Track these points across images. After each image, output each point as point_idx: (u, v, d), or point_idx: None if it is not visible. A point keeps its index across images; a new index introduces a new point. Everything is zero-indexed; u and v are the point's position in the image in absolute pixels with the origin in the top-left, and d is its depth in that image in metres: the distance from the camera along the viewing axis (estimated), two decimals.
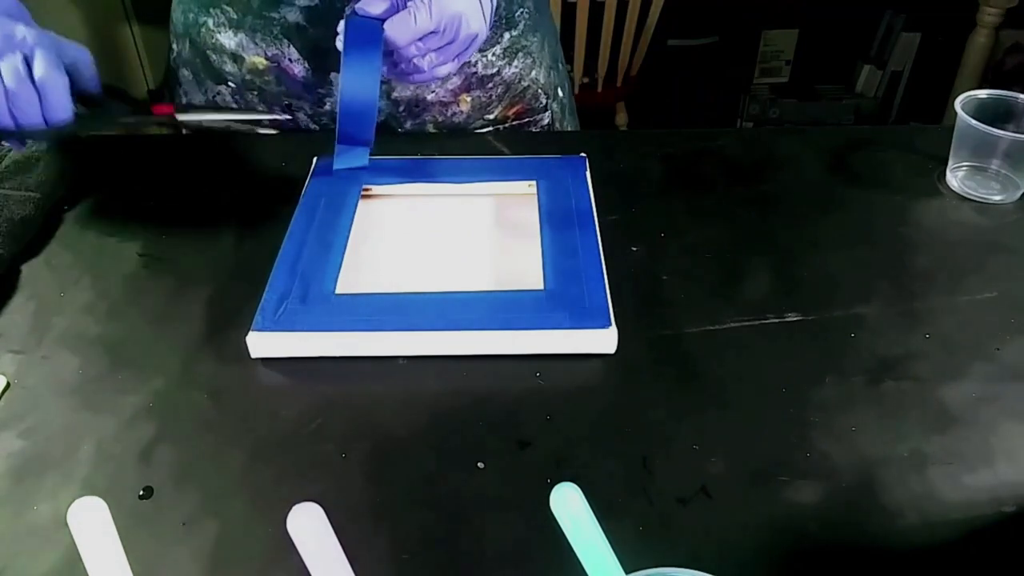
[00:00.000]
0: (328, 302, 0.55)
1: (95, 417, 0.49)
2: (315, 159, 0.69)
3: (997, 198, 0.68)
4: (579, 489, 0.31)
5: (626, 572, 0.31)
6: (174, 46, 0.82)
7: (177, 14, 0.80)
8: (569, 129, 0.91)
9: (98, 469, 0.46)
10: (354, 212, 0.63)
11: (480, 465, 0.46)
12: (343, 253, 0.59)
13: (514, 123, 0.84)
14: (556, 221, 0.62)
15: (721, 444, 0.47)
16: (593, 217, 0.63)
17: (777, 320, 0.56)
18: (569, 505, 0.31)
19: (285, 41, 0.74)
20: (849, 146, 0.76)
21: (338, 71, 0.70)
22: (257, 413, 0.50)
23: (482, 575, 0.41)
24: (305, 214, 0.63)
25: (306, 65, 0.75)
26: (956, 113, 0.67)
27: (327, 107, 0.78)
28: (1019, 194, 0.68)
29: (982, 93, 0.68)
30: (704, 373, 0.52)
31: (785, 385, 0.51)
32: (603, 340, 0.53)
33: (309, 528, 0.29)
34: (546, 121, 0.86)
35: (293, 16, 0.72)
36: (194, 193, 0.65)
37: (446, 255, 0.60)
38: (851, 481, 0.45)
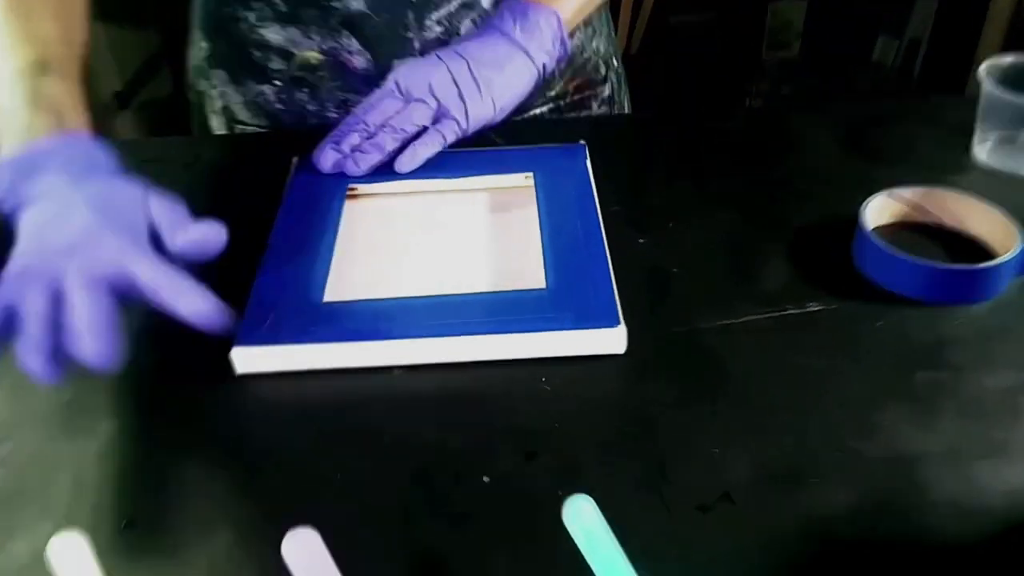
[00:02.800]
0: (316, 311, 0.55)
1: (72, 444, 0.49)
2: (294, 159, 0.69)
3: None
4: (592, 501, 0.31)
5: None
6: (202, 44, 0.82)
7: (206, 9, 0.79)
8: (626, 102, 0.92)
9: (77, 500, 0.46)
10: (339, 214, 0.63)
11: (485, 479, 0.46)
12: (330, 259, 0.59)
13: (575, 97, 0.85)
14: (556, 214, 0.62)
15: (743, 446, 0.47)
16: (596, 208, 0.63)
17: (798, 311, 0.56)
18: (583, 518, 0.31)
19: (344, 32, 0.74)
20: (867, 122, 0.76)
21: (401, 57, 0.74)
22: (245, 433, 0.50)
23: None
24: (287, 219, 0.63)
25: (368, 57, 0.75)
26: (980, 81, 0.67)
27: None
28: None
29: (1007, 58, 0.68)
30: (721, 371, 0.52)
31: (809, 380, 0.51)
32: (611, 340, 0.53)
33: (306, 555, 0.29)
34: (607, 93, 0.88)
35: (356, 4, 0.72)
36: None
37: (439, 256, 0.60)
38: (885, 480, 0.45)
